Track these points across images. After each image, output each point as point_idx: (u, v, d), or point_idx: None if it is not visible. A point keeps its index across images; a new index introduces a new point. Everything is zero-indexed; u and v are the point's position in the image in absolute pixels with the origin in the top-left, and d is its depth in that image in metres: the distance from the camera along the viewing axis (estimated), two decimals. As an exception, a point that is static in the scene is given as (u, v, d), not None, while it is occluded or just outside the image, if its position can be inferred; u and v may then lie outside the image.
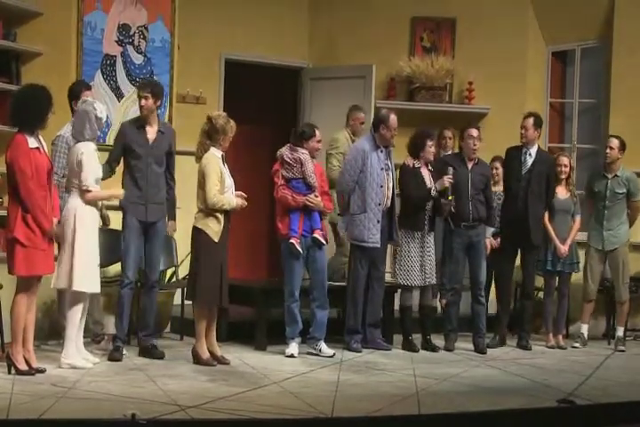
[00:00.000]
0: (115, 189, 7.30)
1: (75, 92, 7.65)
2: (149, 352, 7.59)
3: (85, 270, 6.96)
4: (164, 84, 9.20)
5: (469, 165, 8.63)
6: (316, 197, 7.98)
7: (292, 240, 7.89)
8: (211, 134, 7.45)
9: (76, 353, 7.03)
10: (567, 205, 9.00)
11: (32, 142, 6.66)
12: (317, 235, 7.96)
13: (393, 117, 8.34)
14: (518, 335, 8.96)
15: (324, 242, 8.03)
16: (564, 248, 8.87)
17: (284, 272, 8.04)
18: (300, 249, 7.88)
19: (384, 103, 10.23)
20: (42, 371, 6.74)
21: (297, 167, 7.96)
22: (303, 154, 7.97)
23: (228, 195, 7.43)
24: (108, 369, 7.02)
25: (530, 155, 8.90)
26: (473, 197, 8.56)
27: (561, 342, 8.93)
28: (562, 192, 9.02)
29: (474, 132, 8.61)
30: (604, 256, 9.06)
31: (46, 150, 6.85)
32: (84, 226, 6.99)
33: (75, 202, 7.03)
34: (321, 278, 8.06)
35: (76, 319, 7.03)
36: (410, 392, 6.52)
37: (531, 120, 8.89)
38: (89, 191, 7.01)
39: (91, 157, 7.03)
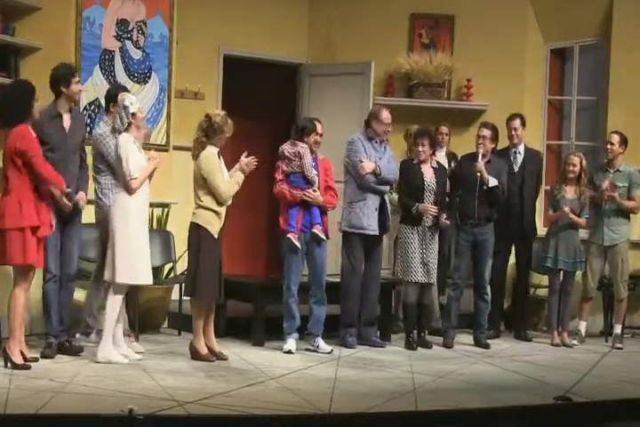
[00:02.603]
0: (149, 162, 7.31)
1: (114, 97, 7.62)
2: (65, 349, 7.34)
3: (120, 263, 7.08)
4: (163, 79, 9.22)
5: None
6: (315, 191, 7.97)
7: (288, 235, 7.88)
8: (208, 132, 7.44)
9: (112, 348, 7.11)
10: (574, 206, 8.84)
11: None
12: (316, 230, 7.93)
13: (385, 112, 8.41)
14: (516, 329, 9.09)
15: (324, 237, 7.99)
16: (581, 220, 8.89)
17: (284, 267, 8.04)
18: (297, 244, 7.87)
19: (382, 100, 10.24)
20: (35, 360, 6.81)
21: (296, 161, 7.95)
22: (303, 148, 7.97)
23: (228, 182, 7.42)
24: (105, 364, 7.01)
25: (519, 153, 9.17)
26: (481, 195, 8.56)
27: (566, 339, 8.89)
28: (570, 192, 8.88)
29: (482, 131, 8.62)
30: (603, 253, 9.05)
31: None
32: (123, 222, 7.12)
33: (119, 197, 7.19)
34: (319, 274, 8.02)
35: (114, 313, 7.15)
36: (407, 389, 6.52)
37: (518, 121, 9.13)
38: (135, 179, 7.14)
39: (128, 148, 7.17)
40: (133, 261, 7.16)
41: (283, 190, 7.96)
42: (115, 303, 7.18)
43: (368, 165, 8.23)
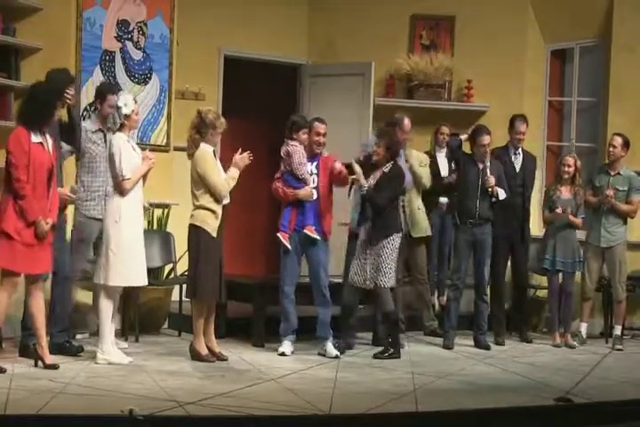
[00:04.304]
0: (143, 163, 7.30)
1: (101, 94, 7.78)
2: (64, 349, 7.30)
3: (114, 266, 7.07)
4: (163, 80, 9.22)
5: (480, 165, 8.60)
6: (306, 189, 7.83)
7: (278, 234, 7.85)
8: (200, 129, 7.44)
9: (112, 349, 7.11)
10: (571, 205, 8.87)
11: (35, 137, 6.67)
12: (307, 231, 7.80)
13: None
14: (519, 330, 9.14)
15: (317, 237, 7.80)
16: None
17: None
18: (287, 244, 7.80)
19: (383, 101, 10.25)
20: (55, 367, 6.75)
21: (287, 160, 7.92)
22: (292, 146, 7.91)
23: (224, 179, 7.44)
24: (105, 365, 7.01)
25: (519, 154, 9.21)
26: (481, 195, 8.55)
27: (569, 340, 8.89)
28: (565, 192, 8.91)
29: (486, 140, 8.57)
30: (601, 254, 9.06)
31: (50, 148, 6.81)
32: (115, 224, 7.09)
33: (114, 198, 7.18)
34: (315, 275, 7.88)
35: (107, 314, 7.13)
36: (407, 390, 6.51)
37: (525, 125, 9.15)
38: (128, 180, 7.11)
39: (122, 148, 7.13)
40: (127, 264, 7.13)
41: (277, 188, 7.94)
42: (108, 305, 7.15)
43: None
